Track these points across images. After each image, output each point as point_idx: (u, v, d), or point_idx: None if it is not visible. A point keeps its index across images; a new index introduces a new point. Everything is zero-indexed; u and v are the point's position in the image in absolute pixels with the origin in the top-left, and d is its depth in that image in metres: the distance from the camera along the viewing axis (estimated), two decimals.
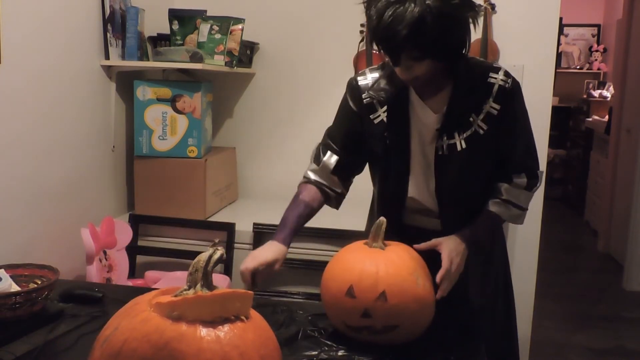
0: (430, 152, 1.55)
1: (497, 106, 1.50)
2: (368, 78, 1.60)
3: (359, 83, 1.61)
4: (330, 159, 1.63)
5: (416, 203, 1.63)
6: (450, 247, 1.45)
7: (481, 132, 1.51)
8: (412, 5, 1.29)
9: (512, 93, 1.51)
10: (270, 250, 1.51)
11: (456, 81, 1.50)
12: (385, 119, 1.56)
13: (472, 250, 1.50)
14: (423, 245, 1.45)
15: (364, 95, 1.59)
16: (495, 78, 1.50)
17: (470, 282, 1.58)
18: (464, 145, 1.51)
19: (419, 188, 1.60)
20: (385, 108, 1.56)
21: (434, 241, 1.46)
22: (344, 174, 1.66)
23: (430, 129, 1.54)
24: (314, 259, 2.33)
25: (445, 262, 1.41)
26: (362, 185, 1.76)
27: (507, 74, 1.52)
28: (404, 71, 1.43)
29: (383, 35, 1.34)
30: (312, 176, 1.65)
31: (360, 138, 1.62)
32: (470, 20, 1.37)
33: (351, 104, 1.62)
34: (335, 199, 1.67)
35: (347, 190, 1.69)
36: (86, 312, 1.54)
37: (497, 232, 1.70)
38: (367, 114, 1.59)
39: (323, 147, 1.66)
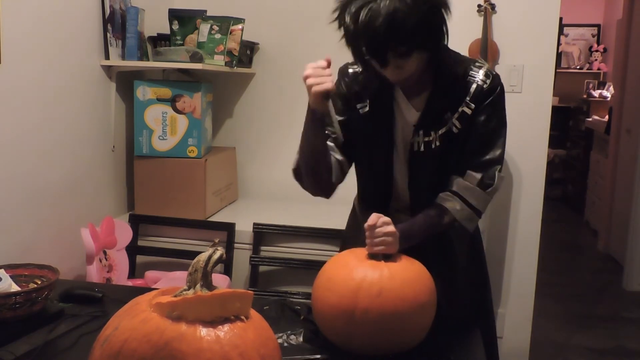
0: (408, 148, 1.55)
1: (472, 105, 1.49)
2: (358, 66, 1.58)
3: (349, 70, 1.60)
4: None
5: (399, 202, 1.61)
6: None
7: (455, 130, 1.50)
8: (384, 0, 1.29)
9: (488, 94, 1.48)
10: None
11: (437, 79, 1.49)
12: (368, 112, 1.56)
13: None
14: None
15: (352, 83, 1.58)
16: (475, 77, 1.49)
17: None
18: (438, 143, 1.51)
19: (401, 185, 1.60)
20: (369, 101, 1.56)
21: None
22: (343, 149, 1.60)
23: (411, 126, 1.53)
24: (314, 259, 2.33)
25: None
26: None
27: (487, 74, 1.49)
28: (394, 72, 1.41)
29: (363, 36, 1.33)
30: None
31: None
32: (443, 8, 1.35)
33: (343, 87, 1.60)
34: (336, 165, 1.58)
35: (349, 161, 1.62)
36: (86, 312, 1.55)
37: (456, 234, 1.60)
38: (354, 102, 1.58)
39: None
